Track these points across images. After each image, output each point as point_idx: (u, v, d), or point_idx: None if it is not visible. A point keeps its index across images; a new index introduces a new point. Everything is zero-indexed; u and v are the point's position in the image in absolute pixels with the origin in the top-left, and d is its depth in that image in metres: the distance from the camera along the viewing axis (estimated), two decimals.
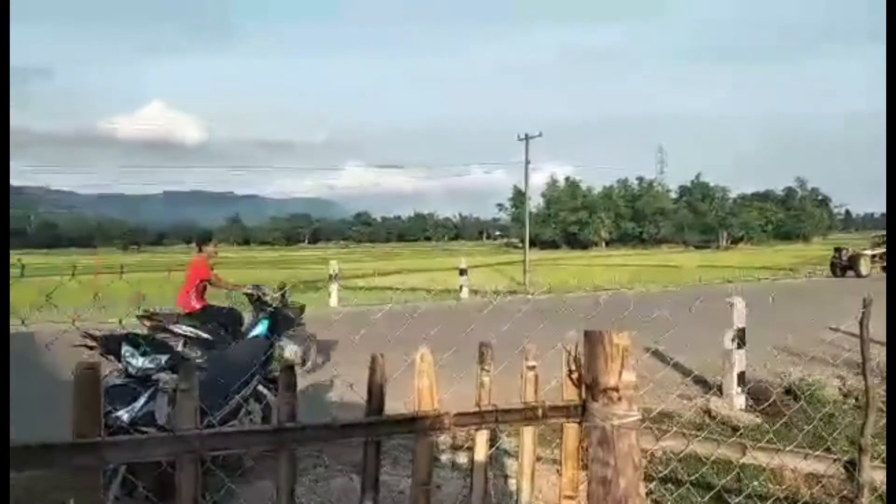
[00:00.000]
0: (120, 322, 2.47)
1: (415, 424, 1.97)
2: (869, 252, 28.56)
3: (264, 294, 8.53)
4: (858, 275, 26.19)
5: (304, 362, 8.40)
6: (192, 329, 7.61)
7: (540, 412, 2.10)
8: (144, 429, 4.20)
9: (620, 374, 1.96)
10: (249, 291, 8.56)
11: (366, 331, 3.20)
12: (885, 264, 27.92)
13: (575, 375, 2.14)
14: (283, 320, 8.44)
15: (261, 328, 8.18)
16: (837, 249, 28.82)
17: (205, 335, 7.50)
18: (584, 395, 2.09)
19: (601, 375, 1.98)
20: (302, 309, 9.25)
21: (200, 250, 8.77)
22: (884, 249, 28.42)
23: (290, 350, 8.24)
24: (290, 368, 1.90)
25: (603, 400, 1.98)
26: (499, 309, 11.15)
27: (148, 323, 7.22)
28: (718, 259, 52.97)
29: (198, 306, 8.16)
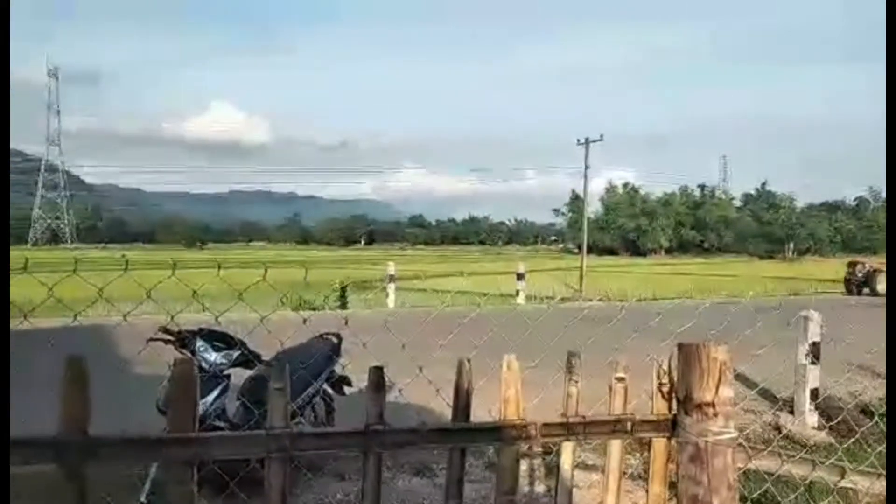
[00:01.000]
0: (216, 319, 2.52)
1: (502, 433, 1.93)
2: None
3: None
4: (874, 293, 23.27)
5: None
6: None
7: (629, 425, 2.03)
8: (216, 423, 4.30)
9: (717, 389, 1.88)
10: None
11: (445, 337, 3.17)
12: None
13: (666, 389, 2.07)
14: None
15: None
16: (852, 264, 25.65)
17: None
18: (675, 410, 2.02)
19: (696, 390, 1.91)
20: None
21: None
22: None
23: None
24: (378, 369, 1.89)
25: (697, 415, 1.91)
26: (559, 315, 11.04)
27: None
28: (782, 270, 51.27)
29: None
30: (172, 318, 2.55)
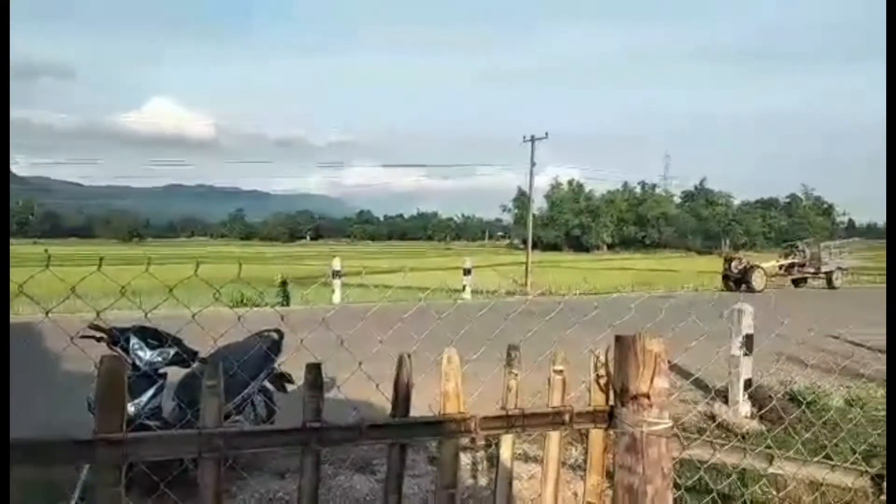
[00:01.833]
0: (146, 316, 2.43)
1: (442, 427, 1.93)
2: (769, 263, 25.81)
3: None
4: (751, 289, 22.55)
5: None
6: None
7: (567, 417, 2.05)
8: (151, 423, 4.16)
9: (653, 380, 1.92)
10: None
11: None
12: (794, 277, 25.63)
13: (603, 381, 2.10)
14: None
15: None
16: (728, 260, 25.30)
17: None
18: (612, 401, 2.05)
19: (632, 381, 1.94)
20: None
21: None
22: (792, 261, 25.85)
23: None
24: (315, 366, 1.85)
25: (633, 406, 1.94)
26: (503, 309, 11.15)
27: None
28: (718, 265, 52.82)
29: None
30: (98, 314, 2.45)
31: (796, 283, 25.82)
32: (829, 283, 25.07)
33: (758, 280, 23.42)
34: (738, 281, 23.71)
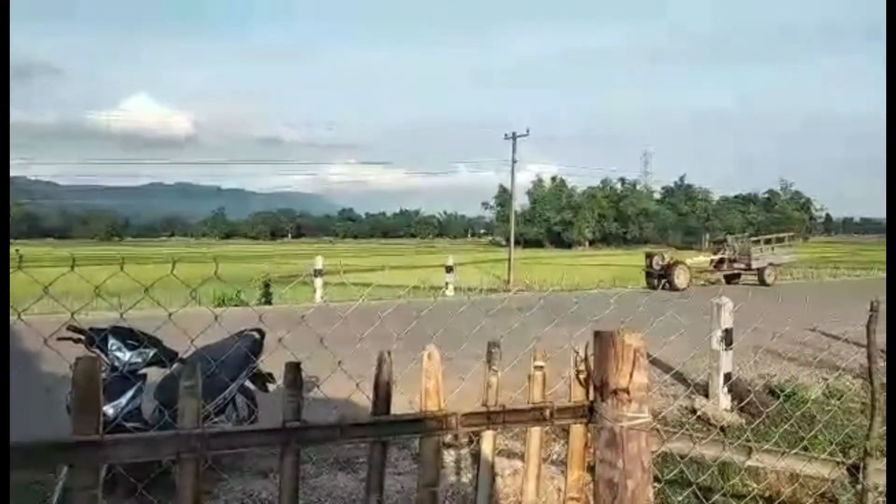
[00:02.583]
0: (122, 316, 2.41)
1: (423, 425, 1.92)
2: (696, 259, 24.92)
3: None
4: (673, 287, 21.50)
5: None
6: None
7: (548, 413, 2.06)
8: (130, 424, 4.12)
9: (631, 375, 1.93)
10: None
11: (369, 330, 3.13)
12: (725, 273, 24.76)
13: (583, 376, 2.11)
14: None
15: None
16: (649, 256, 23.70)
17: None
18: (592, 396, 2.06)
19: (611, 376, 1.95)
20: None
21: None
22: (722, 257, 24.97)
23: None
24: (295, 365, 1.84)
25: (612, 401, 1.95)
26: (485, 305, 11.17)
27: None
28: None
29: None
30: (73, 315, 2.42)
31: (728, 279, 24.95)
32: (761, 280, 24.06)
33: (680, 277, 22.17)
34: (660, 278, 22.43)
